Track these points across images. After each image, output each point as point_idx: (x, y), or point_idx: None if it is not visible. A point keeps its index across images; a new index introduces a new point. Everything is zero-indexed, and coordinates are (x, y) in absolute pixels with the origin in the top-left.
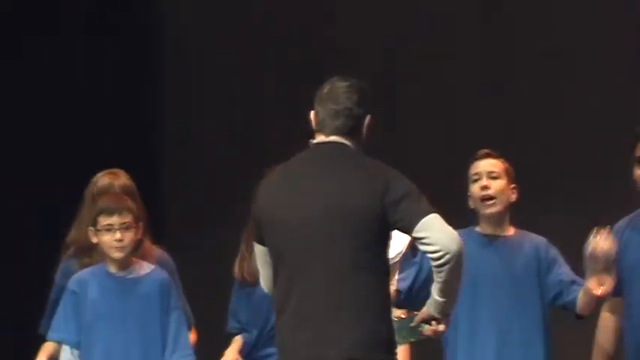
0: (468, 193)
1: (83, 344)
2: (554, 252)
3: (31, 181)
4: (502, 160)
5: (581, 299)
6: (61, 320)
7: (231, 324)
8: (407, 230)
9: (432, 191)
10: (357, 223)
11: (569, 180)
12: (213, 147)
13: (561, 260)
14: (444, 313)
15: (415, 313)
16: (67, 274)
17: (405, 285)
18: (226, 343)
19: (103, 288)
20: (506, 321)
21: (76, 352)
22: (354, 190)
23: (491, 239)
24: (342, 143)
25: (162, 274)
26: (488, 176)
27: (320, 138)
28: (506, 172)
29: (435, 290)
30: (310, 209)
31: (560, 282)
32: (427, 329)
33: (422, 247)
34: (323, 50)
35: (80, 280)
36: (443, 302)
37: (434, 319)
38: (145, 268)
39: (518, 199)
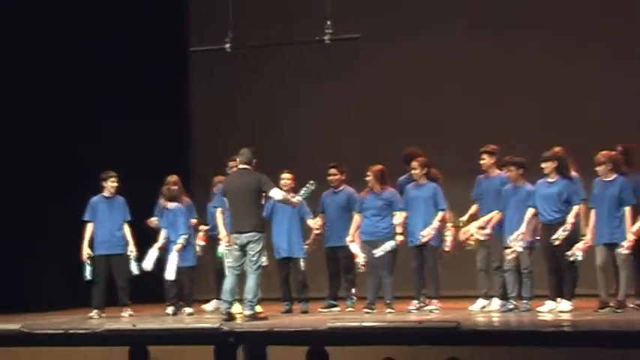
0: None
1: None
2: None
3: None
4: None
5: None
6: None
7: None
8: (266, 193)
9: None
10: (251, 191)
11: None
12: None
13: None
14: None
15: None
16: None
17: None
18: None
19: None
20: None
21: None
22: (250, 181)
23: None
24: (247, 168)
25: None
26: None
27: (240, 166)
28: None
29: (282, 201)
30: (236, 186)
31: None
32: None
33: (273, 199)
34: None
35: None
36: (284, 200)
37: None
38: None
39: None
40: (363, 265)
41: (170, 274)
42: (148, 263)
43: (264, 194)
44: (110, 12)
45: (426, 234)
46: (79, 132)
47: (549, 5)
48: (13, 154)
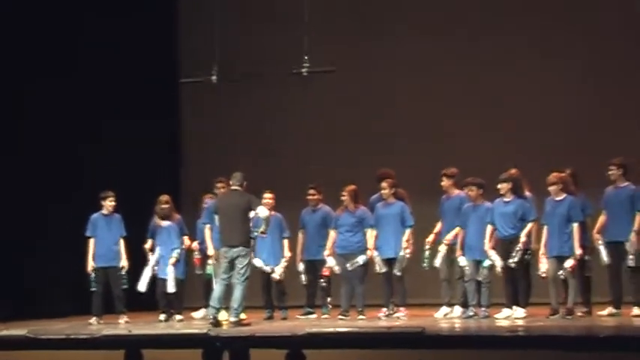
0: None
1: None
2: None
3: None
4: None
5: None
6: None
7: None
8: (254, 210)
9: None
10: (241, 209)
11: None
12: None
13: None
14: (267, 223)
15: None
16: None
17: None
18: None
19: None
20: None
21: None
22: (241, 201)
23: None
24: (238, 189)
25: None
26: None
27: (232, 187)
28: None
29: (264, 219)
30: (228, 205)
31: None
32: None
33: (258, 214)
34: None
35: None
36: (265, 220)
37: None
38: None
39: None
40: (325, 283)
41: (170, 287)
42: (142, 285)
43: (252, 212)
44: (110, 12)
45: (401, 264)
46: (79, 132)
47: (549, 6)
48: (13, 154)
